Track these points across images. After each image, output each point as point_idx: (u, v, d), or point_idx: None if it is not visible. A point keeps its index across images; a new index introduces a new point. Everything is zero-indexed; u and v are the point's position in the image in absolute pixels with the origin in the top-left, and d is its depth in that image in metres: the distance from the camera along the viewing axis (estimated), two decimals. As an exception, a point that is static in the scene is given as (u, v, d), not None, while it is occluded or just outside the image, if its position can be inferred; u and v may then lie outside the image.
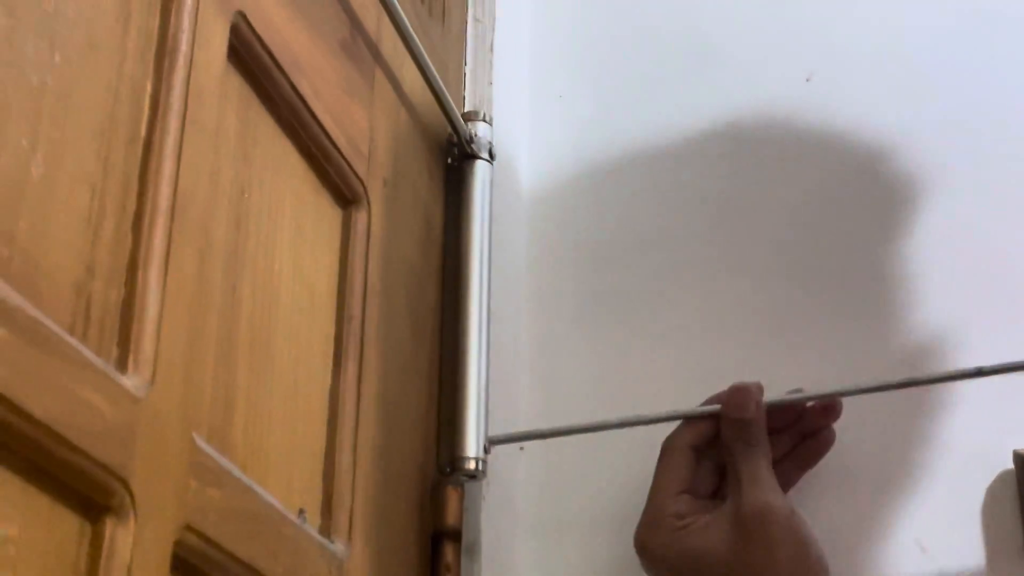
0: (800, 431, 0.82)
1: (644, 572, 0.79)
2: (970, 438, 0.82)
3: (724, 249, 0.92)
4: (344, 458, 0.69)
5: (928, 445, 0.83)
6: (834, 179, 0.92)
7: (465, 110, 0.93)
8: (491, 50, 0.99)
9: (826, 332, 0.87)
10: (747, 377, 0.80)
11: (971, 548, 0.79)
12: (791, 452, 0.82)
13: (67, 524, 0.47)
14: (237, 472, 0.58)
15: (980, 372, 0.77)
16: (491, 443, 0.82)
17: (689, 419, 0.80)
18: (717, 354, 0.89)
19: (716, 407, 0.80)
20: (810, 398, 0.80)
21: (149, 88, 0.55)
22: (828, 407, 0.81)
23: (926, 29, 0.95)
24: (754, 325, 0.88)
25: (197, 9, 0.58)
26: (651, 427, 0.85)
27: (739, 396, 0.79)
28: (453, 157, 0.91)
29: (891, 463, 0.83)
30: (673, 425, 0.81)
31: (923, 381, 0.80)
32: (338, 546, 0.67)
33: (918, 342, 0.85)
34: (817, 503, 0.82)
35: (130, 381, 0.50)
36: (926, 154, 0.91)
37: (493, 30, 1.00)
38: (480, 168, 0.90)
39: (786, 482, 0.80)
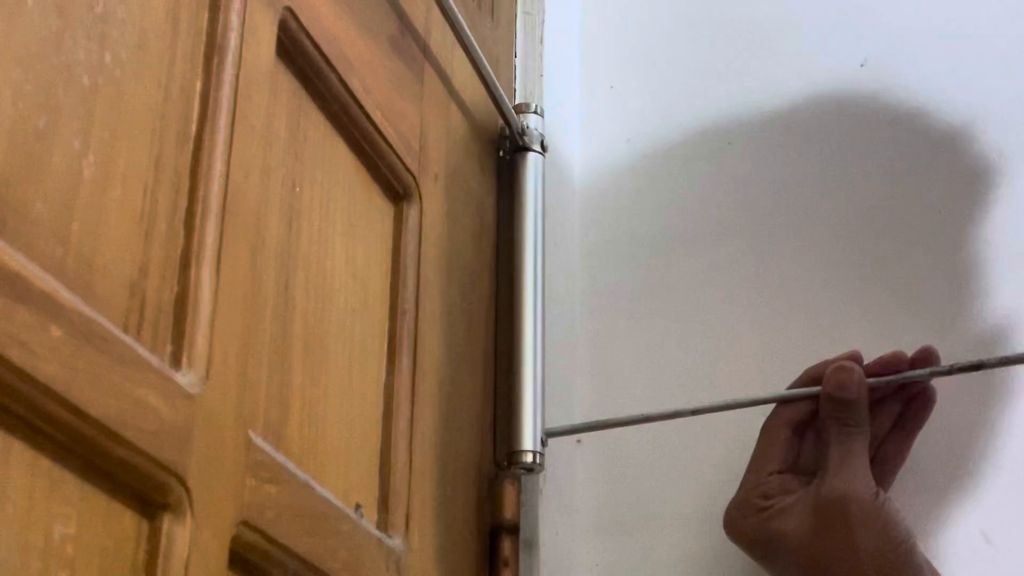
0: (901, 396, 0.79)
1: (708, 564, 0.79)
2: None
3: (780, 238, 0.91)
4: (400, 453, 0.69)
5: (994, 433, 0.81)
6: (890, 165, 0.91)
7: (516, 102, 0.93)
8: (541, 42, 0.98)
9: (886, 319, 0.86)
10: (808, 365, 0.79)
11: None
12: (898, 420, 0.79)
13: (124, 522, 0.47)
14: (293, 468, 0.58)
15: None
16: (548, 436, 0.82)
17: (783, 402, 0.79)
18: (775, 344, 0.88)
19: (815, 389, 0.78)
20: (909, 377, 0.78)
21: (199, 86, 0.55)
22: (924, 353, 0.78)
23: (982, 8, 0.93)
24: (813, 314, 0.87)
25: (245, 6, 0.58)
26: (711, 419, 0.84)
27: (840, 375, 0.77)
28: (505, 150, 0.91)
29: (956, 451, 0.82)
30: (736, 414, 0.81)
31: (993, 363, 0.77)
32: (396, 541, 0.67)
33: (983, 328, 0.84)
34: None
35: (185, 379, 0.50)
36: (985, 137, 0.89)
37: (543, 22, 1.00)
38: (532, 160, 0.90)
39: (901, 450, 0.79)
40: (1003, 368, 0.80)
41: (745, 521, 0.76)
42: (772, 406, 0.80)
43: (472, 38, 0.81)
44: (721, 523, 0.78)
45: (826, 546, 0.73)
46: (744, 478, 0.78)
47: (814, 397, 0.78)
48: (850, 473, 0.74)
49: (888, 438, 0.79)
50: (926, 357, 0.78)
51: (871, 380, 0.77)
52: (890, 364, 0.78)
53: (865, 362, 0.78)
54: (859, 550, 0.72)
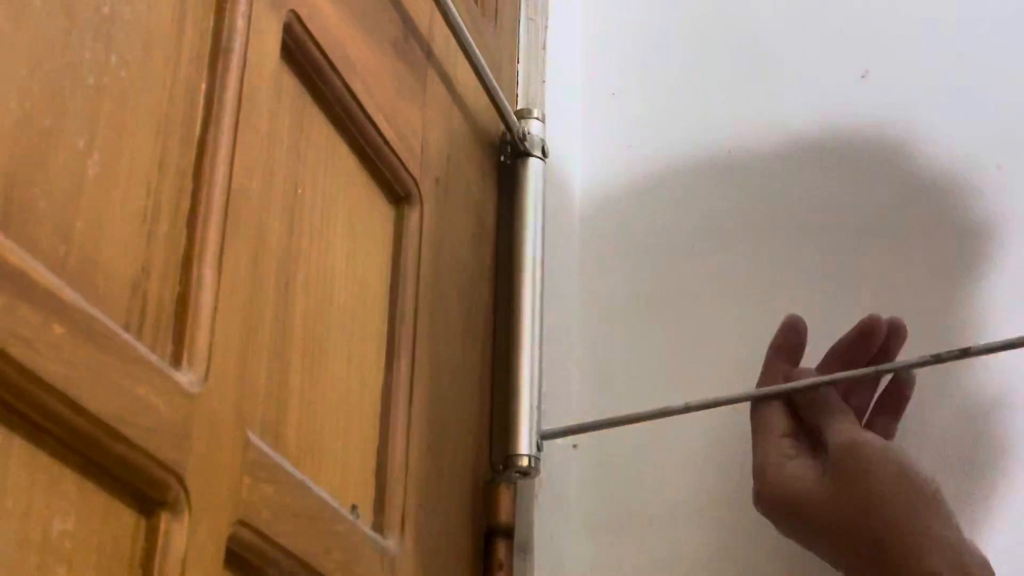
0: (877, 380, 0.80)
1: (703, 567, 0.79)
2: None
3: (778, 247, 0.92)
4: (396, 455, 0.70)
5: (986, 435, 0.82)
6: (888, 176, 0.91)
7: (517, 108, 0.93)
8: (543, 48, 0.99)
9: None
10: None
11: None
12: (879, 407, 0.79)
13: (122, 519, 0.47)
14: (290, 468, 0.59)
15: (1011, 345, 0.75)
16: (543, 437, 0.82)
17: (757, 399, 0.79)
18: (771, 352, 0.88)
19: (810, 381, 0.78)
20: (878, 371, 0.78)
21: (203, 88, 0.55)
22: (893, 328, 0.78)
23: (981, 22, 0.94)
24: (808, 321, 0.88)
25: (251, 9, 0.58)
26: (707, 426, 0.85)
27: (798, 376, 0.78)
28: (506, 155, 0.91)
29: (948, 446, 0.82)
30: (731, 421, 0.81)
31: (979, 351, 0.78)
32: (391, 542, 0.68)
33: (976, 337, 0.84)
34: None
35: (184, 377, 0.51)
36: (984, 151, 0.89)
37: (545, 28, 1.00)
38: (533, 166, 0.90)
39: (888, 434, 0.78)
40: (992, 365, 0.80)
41: (772, 480, 0.74)
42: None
43: (474, 43, 0.81)
44: (714, 526, 0.78)
45: (848, 495, 0.70)
46: (755, 454, 0.77)
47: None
48: (852, 427, 0.74)
49: (873, 420, 0.79)
50: (895, 328, 0.79)
51: (847, 374, 0.78)
52: (867, 334, 0.78)
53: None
54: (883, 493, 0.70)
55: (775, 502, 0.74)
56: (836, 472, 0.72)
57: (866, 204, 0.91)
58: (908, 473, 0.71)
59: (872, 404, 0.80)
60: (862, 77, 0.95)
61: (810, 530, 0.73)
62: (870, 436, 0.73)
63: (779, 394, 0.78)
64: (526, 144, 0.90)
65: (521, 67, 0.96)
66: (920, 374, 0.80)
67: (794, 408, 0.78)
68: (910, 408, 0.80)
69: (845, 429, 0.74)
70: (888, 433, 0.79)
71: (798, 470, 0.74)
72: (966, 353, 0.76)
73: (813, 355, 0.81)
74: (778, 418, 0.77)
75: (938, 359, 0.77)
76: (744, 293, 0.91)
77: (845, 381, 0.79)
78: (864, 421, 0.79)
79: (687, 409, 0.81)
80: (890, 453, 0.72)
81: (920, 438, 0.81)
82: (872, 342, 0.79)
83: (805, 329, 0.81)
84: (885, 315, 0.80)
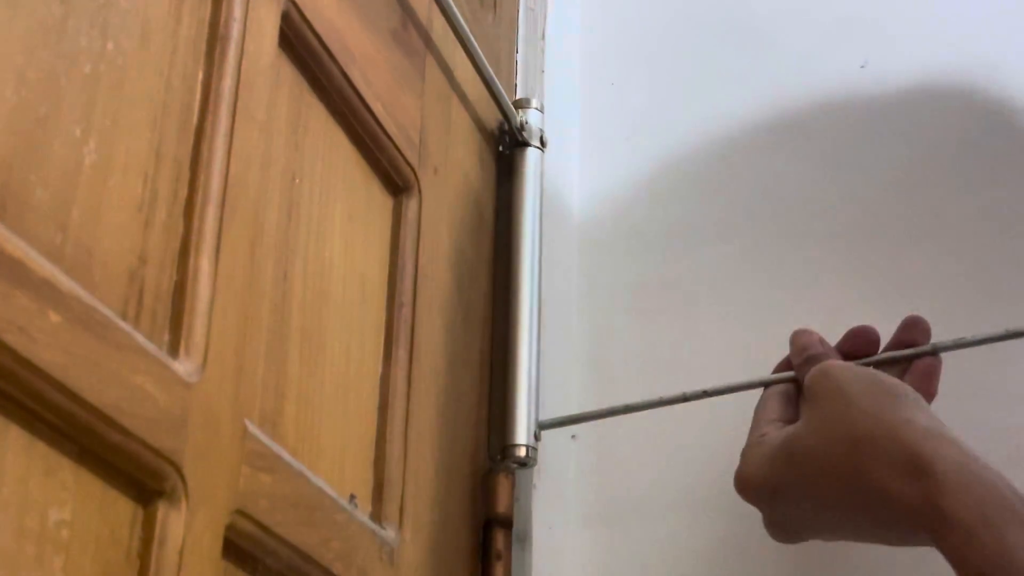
0: (902, 369, 0.77)
1: (700, 558, 0.78)
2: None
3: (777, 237, 0.92)
4: (395, 445, 0.70)
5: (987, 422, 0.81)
6: (888, 165, 0.91)
7: (516, 97, 0.93)
8: (542, 38, 0.99)
9: (883, 318, 0.86)
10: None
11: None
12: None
13: (120, 508, 0.47)
14: (288, 458, 0.58)
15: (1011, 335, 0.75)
16: (541, 427, 0.82)
17: (766, 385, 0.78)
18: (771, 341, 0.88)
19: (791, 373, 0.77)
20: (905, 356, 0.76)
21: (201, 76, 0.55)
22: (911, 322, 0.76)
23: (981, 14, 0.93)
24: (806, 313, 0.87)
25: (248, -3, 0.58)
26: (705, 416, 0.85)
27: (802, 339, 0.77)
28: (504, 145, 0.91)
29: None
30: (728, 410, 0.81)
31: (972, 343, 0.77)
32: (389, 532, 0.68)
33: (979, 324, 0.84)
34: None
35: (182, 367, 0.51)
36: (983, 138, 0.89)
37: (544, 18, 1.00)
38: (531, 156, 0.90)
39: None
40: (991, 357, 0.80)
41: (747, 461, 0.72)
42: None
43: (471, 33, 0.81)
44: (712, 516, 0.78)
45: (822, 417, 0.68)
46: (747, 440, 0.75)
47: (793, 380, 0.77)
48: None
49: None
50: (914, 326, 0.77)
51: (872, 359, 0.76)
52: (861, 334, 0.77)
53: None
54: (851, 397, 0.67)
55: (755, 476, 0.71)
56: (810, 402, 0.70)
57: (866, 195, 0.90)
58: (879, 381, 0.69)
59: None
60: (862, 67, 0.94)
61: (791, 484, 0.70)
62: (840, 361, 0.72)
63: (778, 382, 0.78)
64: (524, 134, 0.90)
65: (520, 57, 0.96)
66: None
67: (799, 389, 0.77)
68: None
69: (819, 365, 0.72)
70: None
71: (775, 438, 0.71)
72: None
73: (812, 345, 0.81)
74: (771, 405, 0.76)
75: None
76: (743, 283, 0.91)
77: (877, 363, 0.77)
78: None
79: (686, 398, 0.81)
80: (859, 370, 0.70)
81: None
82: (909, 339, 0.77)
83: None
84: (886, 301, 0.80)
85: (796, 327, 0.79)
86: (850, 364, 0.73)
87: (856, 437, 0.66)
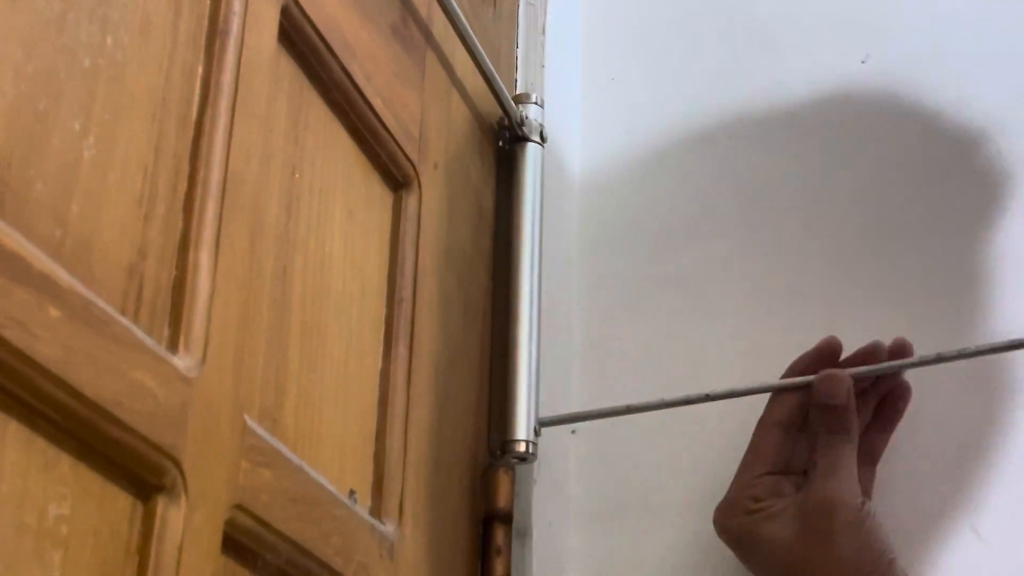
0: (877, 390, 0.80)
1: (700, 555, 0.79)
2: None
3: (778, 233, 0.91)
4: (395, 440, 0.70)
5: (984, 427, 0.82)
6: (890, 161, 0.91)
7: (516, 92, 0.93)
8: (543, 32, 0.98)
9: (884, 314, 0.86)
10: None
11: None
12: (875, 414, 0.80)
13: (119, 503, 0.47)
14: (288, 453, 0.58)
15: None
16: (541, 425, 0.82)
17: (775, 391, 0.79)
18: (771, 338, 0.88)
19: (806, 379, 0.78)
20: (893, 367, 0.78)
21: (200, 71, 0.55)
22: (898, 346, 0.78)
23: (981, 9, 0.93)
24: (809, 308, 0.87)
25: (248, -8, 0.58)
26: (705, 410, 0.85)
27: (830, 383, 0.77)
28: (504, 140, 0.91)
29: (946, 445, 0.82)
30: (728, 406, 0.81)
31: (972, 352, 0.77)
32: (388, 527, 0.68)
33: (977, 322, 0.84)
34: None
35: (181, 362, 0.50)
36: (984, 134, 0.89)
37: (545, 12, 1.00)
38: (531, 150, 0.90)
39: (875, 449, 0.79)
40: (993, 360, 0.80)
41: (733, 520, 0.77)
42: (762, 399, 0.80)
43: (470, 28, 0.81)
44: (712, 512, 0.78)
45: (808, 551, 0.73)
46: (735, 477, 0.78)
47: (804, 388, 0.78)
48: (836, 481, 0.74)
49: (867, 431, 0.79)
50: (900, 349, 0.79)
51: (855, 370, 0.78)
52: (869, 356, 0.79)
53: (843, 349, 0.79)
54: (840, 558, 0.72)
55: (732, 537, 0.77)
56: (805, 526, 0.74)
57: (868, 189, 0.90)
58: (871, 542, 0.73)
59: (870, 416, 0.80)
60: (863, 62, 0.94)
61: (766, 568, 0.76)
62: (846, 498, 0.74)
63: (785, 388, 0.78)
64: (524, 129, 0.90)
65: (520, 52, 0.96)
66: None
67: (802, 409, 0.78)
68: None
69: (829, 485, 0.74)
70: (880, 444, 0.80)
71: (762, 523, 0.75)
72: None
73: (811, 343, 0.81)
74: (770, 443, 0.77)
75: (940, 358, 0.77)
76: (744, 277, 0.91)
77: (871, 375, 0.79)
78: (861, 432, 0.78)
79: (687, 401, 0.81)
80: (859, 520, 0.73)
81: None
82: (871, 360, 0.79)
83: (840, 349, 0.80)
84: (886, 299, 0.80)
85: (825, 333, 0.80)
86: (855, 512, 0.73)
87: None
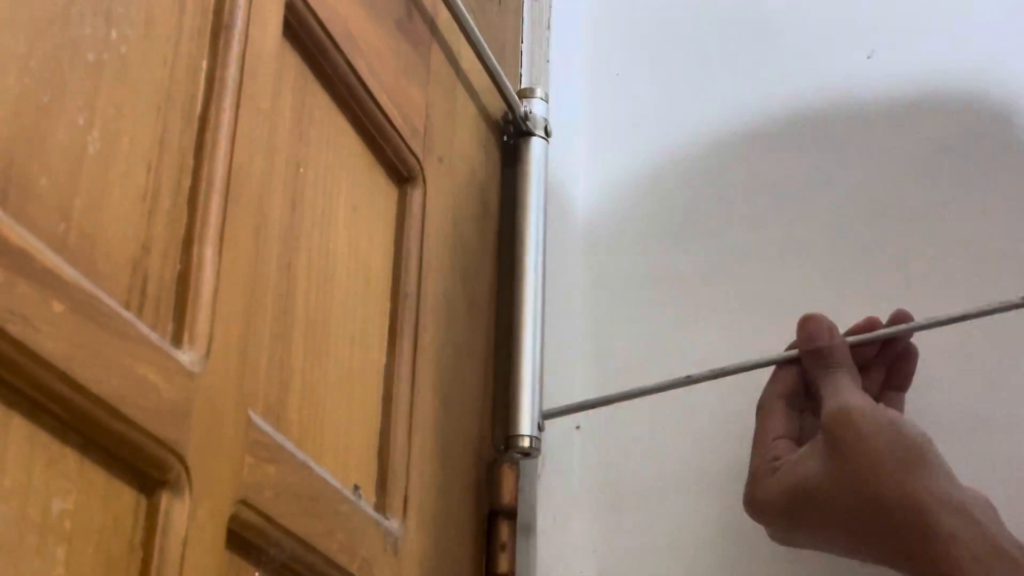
0: (886, 357, 0.79)
1: (706, 548, 0.78)
2: None
3: (783, 227, 0.91)
4: (399, 435, 0.70)
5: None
6: (896, 158, 0.90)
7: (521, 87, 0.92)
8: (548, 27, 0.98)
9: (885, 315, 0.85)
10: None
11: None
12: (886, 380, 0.79)
13: (123, 498, 0.47)
14: (292, 448, 0.58)
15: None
16: (545, 416, 0.82)
17: (771, 365, 0.79)
18: (774, 332, 0.88)
19: (790, 353, 0.78)
20: (889, 334, 0.78)
21: (205, 65, 0.55)
22: (899, 315, 0.79)
23: (986, 5, 0.93)
24: (811, 307, 0.87)
25: (252, -14, 0.58)
26: (710, 404, 0.84)
27: (809, 326, 0.77)
28: (509, 135, 0.91)
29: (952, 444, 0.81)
30: (733, 397, 0.81)
31: (975, 314, 0.78)
32: (393, 523, 0.68)
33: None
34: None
35: (186, 357, 0.50)
36: (990, 129, 0.89)
37: (550, 7, 1.00)
38: (536, 145, 0.90)
39: (896, 407, 0.78)
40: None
41: (762, 487, 0.74)
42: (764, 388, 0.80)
43: (475, 23, 0.81)
44: (717, 504, 0.78)
45: (846, 467, 0.70)
46: (751, 458, 0.76)
47: (797, 361, 0.78)
48: (844, 395, 0.73)
49: (881, 397, 0.78)
50: (900, 319, 0.79)
51: (855, 338, 0.78)
52: (867, 327, 0.79)
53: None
54: (880, 457, 0.69)
55: (768, 505, 0.74)
56: (828, 446, 0.71)
57: (873, 186, 0.90)
58: (901, 435, 0.70)
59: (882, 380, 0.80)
60: (868, 57, 0.94)
61: (808, 520, 0.72)
62: (858, 400, 0.73)
63: (786, 360, 0.78)
64: (529, 124, 0.90)
65: (525, 46, 0.96)
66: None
67: (802, 380, 0.78)
68: None
69: (837, 399, 0.73)
70: (897, 407, 0.78)
71: (789, 472, 0.73)
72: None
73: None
74: (776, 418, 0.77)
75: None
76: (748, 273, 0.91)
77: (871, 342, 0.78)
78: (876, 397, 0.78)
79: (689, 381, 0.81)
80: (880, 416, 0.71)
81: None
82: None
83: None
84: (890, 295, 0.80)
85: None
86: (872, 409, 0.72)
87: (880, 506, 0.68)
